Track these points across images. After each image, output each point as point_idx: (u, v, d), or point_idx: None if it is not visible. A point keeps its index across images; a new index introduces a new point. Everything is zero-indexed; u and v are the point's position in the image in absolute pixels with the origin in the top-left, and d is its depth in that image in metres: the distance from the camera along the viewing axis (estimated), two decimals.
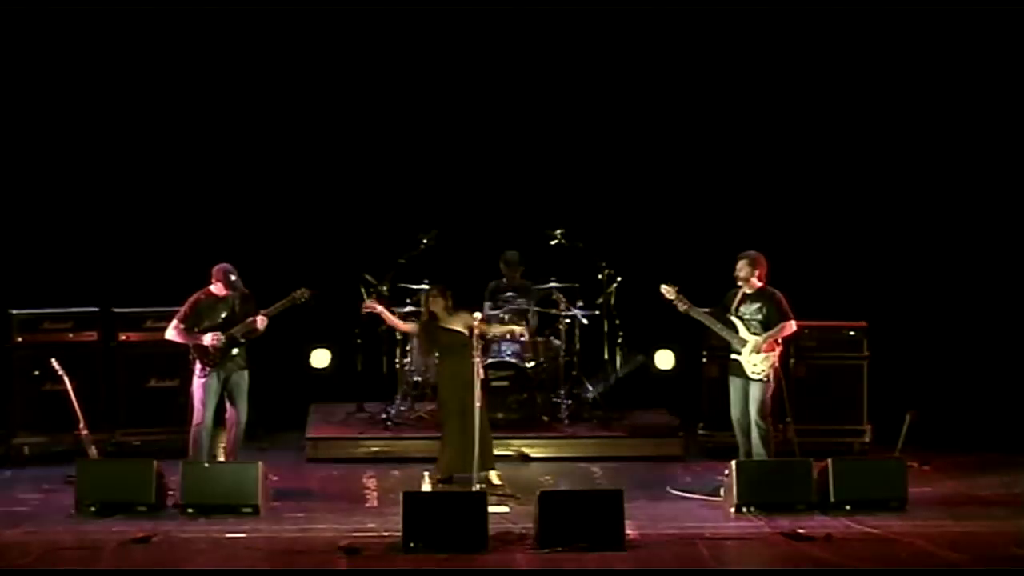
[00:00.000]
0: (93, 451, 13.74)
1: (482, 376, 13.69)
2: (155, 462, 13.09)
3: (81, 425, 13.77)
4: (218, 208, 16.82)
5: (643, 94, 17.05)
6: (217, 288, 13.70)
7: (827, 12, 16.65)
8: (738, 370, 13.69)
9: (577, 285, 15.97)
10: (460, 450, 13.54)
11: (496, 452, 14.07)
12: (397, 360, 15.97)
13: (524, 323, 15.45)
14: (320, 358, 16.49)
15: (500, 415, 15.07)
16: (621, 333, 15.99)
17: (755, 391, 13.61)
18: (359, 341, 16.01)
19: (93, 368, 15.08)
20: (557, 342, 15.84)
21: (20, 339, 15.09)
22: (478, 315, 13.76)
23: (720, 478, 13.44)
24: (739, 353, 13.64)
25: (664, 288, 13.63)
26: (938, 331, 16.65)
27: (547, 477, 14.42)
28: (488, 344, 15.00)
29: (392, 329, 15.24)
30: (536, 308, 15.87)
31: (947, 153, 16.90)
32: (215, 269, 13.71)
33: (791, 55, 16.85)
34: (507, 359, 15.47)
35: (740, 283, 13.71)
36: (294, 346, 16.25)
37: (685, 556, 11.82)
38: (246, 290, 13.76)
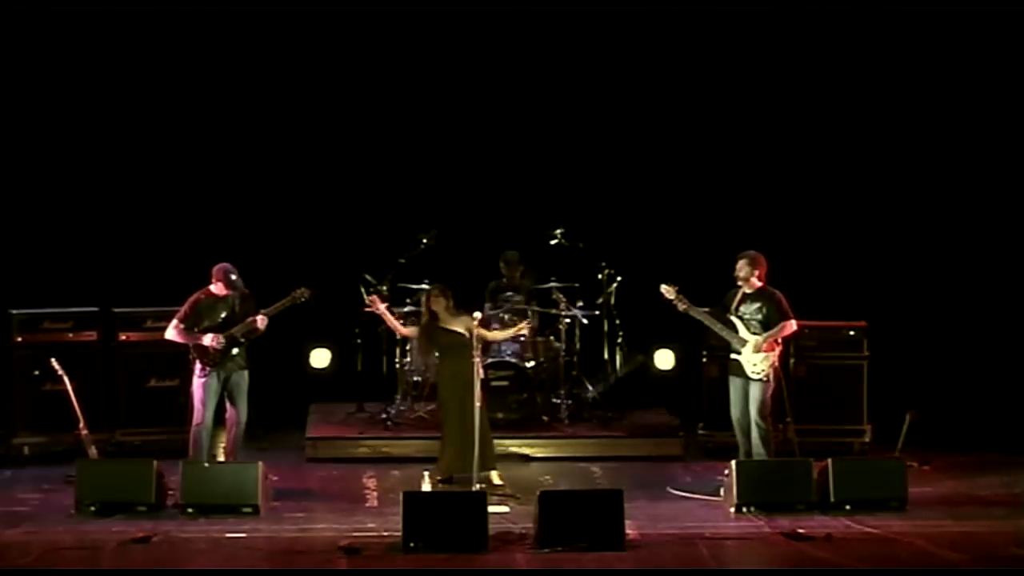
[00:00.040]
0: (93, 451, 13.73)
1: (482, 376, 13.71)
2: (155, 462, 13.08)
3: (81, 425, 13.77)
4: (218, 208, 16.82)
5: (643, 94, 17.05)
6: (217, 288, 13.69)
7: (827, 12, 16.65)
8: (738, 370, 13.69)
9: (577, 285, 15.98)
10: (460, 450, 13.53)
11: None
12: (397, 360, 15.96)
13: (527, 320, 15.42)
14: (320, 358, 16.48)
15: (500, 415, 15.06)
16: (621, 333, 15.99)
17: (755, 391, 13.60)
18: (359, 341, 15.99)
19: (93, 368, 15.07)
20: (557, 343, 15.84)
21: (20, 339, 15.08)
22: (478, 315, 13.77)
23: (720, 478, 13.42)
24: (739, 353, 13.64)
25: (664, 288, 13.63)
26: (938, 331, 16.65)
27: (547, 477, 14.41)
28: (488, 344, 15.00)
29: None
30: (533, 302, 15.84)
31: (946, 153, 16.90)
32: (215, 269, 13.70)
33: (791, 55, 16.85)
34: (507, 359, 15.46)
35: (740, 283, 13.71)
36: (294, 346, 16.25)
37: (685, 556, 11.81)
38: (246, 290, 13.75)
